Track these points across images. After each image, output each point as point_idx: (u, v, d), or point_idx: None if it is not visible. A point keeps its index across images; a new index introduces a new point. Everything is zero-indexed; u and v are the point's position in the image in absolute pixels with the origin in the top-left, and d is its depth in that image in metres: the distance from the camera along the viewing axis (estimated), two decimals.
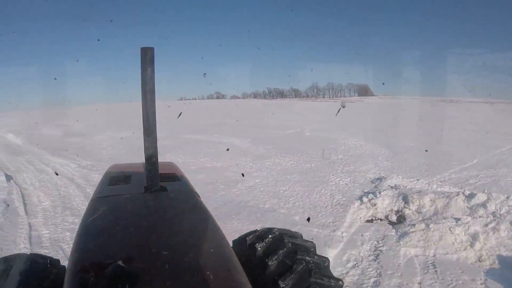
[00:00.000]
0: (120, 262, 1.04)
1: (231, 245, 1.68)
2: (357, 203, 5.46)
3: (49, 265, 1.63)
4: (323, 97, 70.26)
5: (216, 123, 18.04)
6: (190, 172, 7.44)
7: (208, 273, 1.03)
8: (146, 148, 1.68)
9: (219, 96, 77.41)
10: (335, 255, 3.87)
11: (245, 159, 8.96)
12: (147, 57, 1.58)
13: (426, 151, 8.79)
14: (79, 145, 11.85)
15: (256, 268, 1.56)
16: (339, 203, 5.63)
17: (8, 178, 6.93)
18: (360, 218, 5.10)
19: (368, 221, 5.05)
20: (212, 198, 5.64)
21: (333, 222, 4.84)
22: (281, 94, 78.43)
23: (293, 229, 1.96)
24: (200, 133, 14.05)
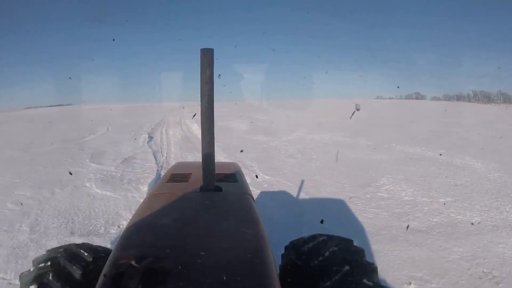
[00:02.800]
0: (155, 258, 1.09)
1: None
2: None
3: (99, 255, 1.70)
4: None
5: (434, 131, 12.57)
6: (428, 230, 3.79)
7: (239, 278, 1.04)
8: (203, 148, 1.69)
9: (418, 96, 69.91)
10: None
11: None
12: (207, 58, 1.60)
13: None
14: (267, 145, 9.91)
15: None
16: None
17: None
18: None
19: None
20: None
21: None
22: (487, 98, 64.77)
23: None
24: (418, 144, 9.58)
